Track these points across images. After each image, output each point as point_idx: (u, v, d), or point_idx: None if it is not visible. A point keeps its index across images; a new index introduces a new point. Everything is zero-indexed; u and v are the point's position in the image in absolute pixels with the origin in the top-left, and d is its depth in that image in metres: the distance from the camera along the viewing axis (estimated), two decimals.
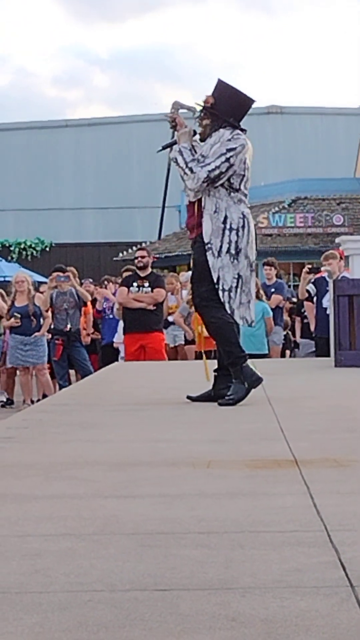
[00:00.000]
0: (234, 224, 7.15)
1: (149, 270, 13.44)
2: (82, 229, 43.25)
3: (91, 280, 19.48)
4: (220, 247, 7.14)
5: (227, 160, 7.12)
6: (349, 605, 2.54)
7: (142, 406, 7.11)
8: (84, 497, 3.97)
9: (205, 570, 2.88)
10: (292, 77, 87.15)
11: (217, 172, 7.11)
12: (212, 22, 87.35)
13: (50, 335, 15.15)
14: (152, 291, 13.14)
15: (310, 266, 14.70)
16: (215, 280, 7.13)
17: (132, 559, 3.02)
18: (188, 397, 7.27)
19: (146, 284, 13.19)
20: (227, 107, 7.18)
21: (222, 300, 7.15)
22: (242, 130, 7.24)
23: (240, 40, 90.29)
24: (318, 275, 13.95)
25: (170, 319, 14.65)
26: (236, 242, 7.14)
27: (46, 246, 42.37)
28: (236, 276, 7.14)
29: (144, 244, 33.96)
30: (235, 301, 7.15)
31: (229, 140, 7.15)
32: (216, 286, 7.13)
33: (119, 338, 14.87)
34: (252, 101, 7.29)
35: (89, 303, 15.88)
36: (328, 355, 11.55)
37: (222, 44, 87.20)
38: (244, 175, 7.19)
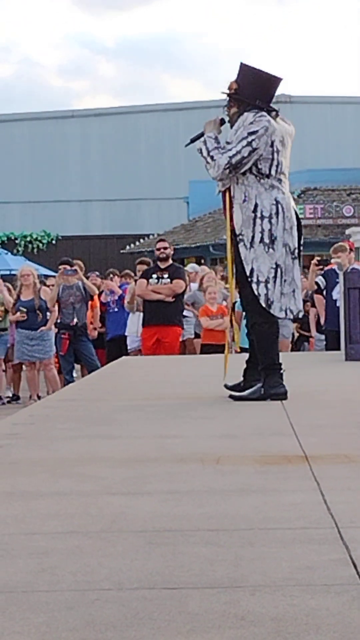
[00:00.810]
0: (265, 211, 6.87)
1: (170, 261, 13.38)
2: (89, 221, 43.23)
3: (97, 273, 19.40)
4: (253, 237, 6.88)
5: (249, 144, 6.85)
6: None
7: (150, 401, 7.07)
8: (91, 494, 3.94)
9: (215, 568, 2.85)
10: (301, 65, 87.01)
11: (238, 157, 6.84)
12: (220, 10, 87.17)
13: (56, 330, 15.08)
14: (171, 283, 13.08)
15: (319, 258, 14.63)
16: (248, 274, 6.88)
17: (140, 557, 3.00)
18: (225, 386, 7.12)
19: (165, 276, 13.13)
20: (252, 90, 6.92)
21: (256, 293, 6.88)
22: (271, 111, 6.97)
23: (249, 29, 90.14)
24: (328, 268, 13.90)
25: None
26: (270, 230, 6.86)
27: (52, 239, 42.35)
28: (274, 266, 6.85)
29: (151, 236, 33.92)
30: (274, 292, 6.86)
31: (252, 123, 6.88)
32: (249, 279, 6.89)
33: (131, 329, 14.76)
34: (279, 79, 7.03)
35: (95, 297, 15.79)
36: (338, 348, 11.50)
37: (230, 32, 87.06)
38: (272, 159, 6.90)
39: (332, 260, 13.60)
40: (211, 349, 13.44)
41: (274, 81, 7.03)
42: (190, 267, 17.49)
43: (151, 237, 35.13)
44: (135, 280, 14.65)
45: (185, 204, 40.14)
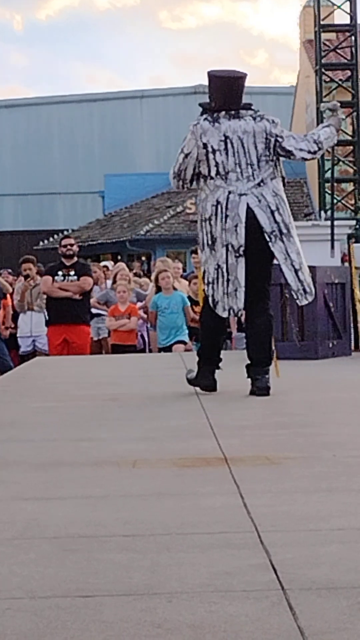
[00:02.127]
0: (206, 213, 7.03)
1: (75, 259, 13.29)
2: (0, 216, 42.78)
3: (10, 270, 19.12)
4: (202, 240, 7.09)
5: (182, 150, 7.07)
6: (280, 609, 2.49)
7: (65, 403, 6.99)
8: (3, 499, 3.86)
9: (130, 575, 2.80)
10: (219, 54, 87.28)
11: (177, 165, 7.07)
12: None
13: None
14: (78, 280, 12.98)
15: None
16: (202, 276, 7.08)
17: (53, 564, 2.93)
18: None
19: (72, 273, 13.03)
20: (210, 94, 7.20)
21: (206, 294, 7.09)
22: (220, 111, 7.09)
23: (163, 18, 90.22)
24: None
25: (94, 311, 14.45)
26: (210, 231, 7.00)
27: None
28: (216, 267, 6.99)
29: (65, 232, 33.69)
30: (218, 292, 7.00)
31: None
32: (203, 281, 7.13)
33: (24, 330, 14.52)
34: (228, 77, 7.18)
35: (8, 295, 15.54)
36: None
37: (144, 22, 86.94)
38: (208, 160, 7.01)
39: None
40: (120, 349, 13.40)
41: (223, 80, 7.15)
42: (104, 264, 17.41)
43: (66, 232, 34.85)
44: (25, 277, 14.48)
45: (100, 198, 39.89)
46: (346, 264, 11.48)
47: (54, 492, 3.96)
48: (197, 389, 7.31)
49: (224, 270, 6.95)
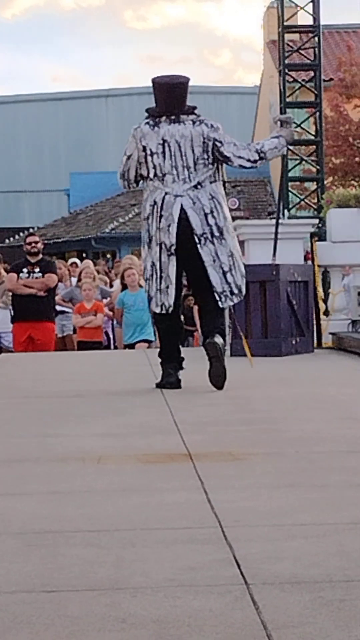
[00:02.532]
0: (145, 213, 7.32)
1: (40, 256, 13.25)
2: None
3: None
4: (143, 238, 7.38)
5: (125, 152, 7.34)
6: (244, 604, 2.50)
7: (30, 399, 6.97)
8: None
9: (95, 570, 2.80)
10: (184, 54, 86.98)
11: (121, 167, 7.37)
12: None
13: None
14: (42, 277, 12.94)
15: None
16: (143, 273, 7.54)
17: (18, 559, 2.93)
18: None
19: (37, 270, 12.99)
20: (155, 99, 7.43)
21: (145, 289, 7.47)
22: (161, 115, 7.31)
23: (127, 16, 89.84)
24: None
25: (59, 308, 14.39)
26: (148, 230, 7.28)
27: None
28: (151, 264, 7.26)
29: (31, 229, 33.48)
30: (152, 289, 7.28)
31: None
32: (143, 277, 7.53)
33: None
34: (158, 82, 7.41)
35: None
36: None
37: (109, 20, 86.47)
38: (147, 162, 7.24)
39: None
40: (86, 346, 13.37)
41: (163, 86, 7.38)
42: (71, 261, 17.34)
43: (31, 230, 34.67)
44: None
45: (66, 196, 39.69)
46: (309, 262, 11.52)
47: (19, 488, 3.95)
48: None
49: (158, 267, 7.21)
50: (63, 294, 14.62)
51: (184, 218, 7.15)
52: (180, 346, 7.56)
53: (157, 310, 7.31)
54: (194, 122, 7.32)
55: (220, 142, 7.28)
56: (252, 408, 6.26)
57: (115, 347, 14.31)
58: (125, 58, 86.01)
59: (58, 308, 14.09)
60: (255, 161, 7.32)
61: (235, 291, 7.24)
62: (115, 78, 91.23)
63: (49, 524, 3.34)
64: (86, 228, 35.02)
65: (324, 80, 24.66)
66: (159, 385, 7.33)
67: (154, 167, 7.22)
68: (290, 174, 24.13)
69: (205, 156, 7.25)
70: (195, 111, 7.45)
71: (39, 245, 13.31)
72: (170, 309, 7.28)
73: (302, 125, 24.52)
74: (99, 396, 7.06)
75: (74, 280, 15.36)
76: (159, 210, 7.19)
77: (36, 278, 12.89)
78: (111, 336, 14.70)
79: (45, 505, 3.62)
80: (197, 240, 7.14)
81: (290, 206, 23.60)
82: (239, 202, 32.92)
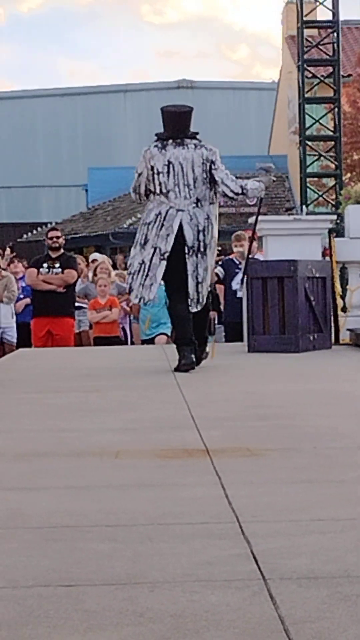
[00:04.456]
0: (148, 219, 8.42)
1: (61, 251, 13.24)
2: None
3: None
4: (137, 239, 8.47)
5: (136, 171, 8.50)
6: (261, 599, 2.49)
7: (47, 394, 6.97)
8: None
9: (112, 564, 2.80)
10: (200, 48, 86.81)
11: (133, 182, 8.54)
12: None
13: None
14: (62, 272, 12.93)
15: (219, 248, 14.52)
16: (126, 267, 8.41)
17: (35, 553, 2.93)
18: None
19: (57, 265, 12.98)
20: (163, 126, 8.57)
21: (127, 281, 8.56)
22: (168, 139, 8.44)
23: (145, 10, 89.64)
24: (226, 258, 13.85)
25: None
26: (145, 234, 8.39)
27: None
28: (140, 262, 8.37)
29: (49, 225, 33.49)
30: (135, 282, 8.39)
31: None
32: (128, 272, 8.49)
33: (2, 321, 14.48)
34: (173, 112, 8.56)
35: None
36: (238, 340, 11.49)
37: (125, 12, 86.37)
38: (154, 180, 8.39)
39: (235, 250, 13.58)
40: (103, 341, 13.36)
41: (170, 114, 8.54)
42: (93, 257, 17.28)
43: (49, 225, 34.69)
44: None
45: (84, 191, 39.61)
46: (327, 258, 11.49)
47: (36, 483, 3.95)
48: (178, 378, 7.36)
49: (147, 266, 8.35)
50: (78, 290, 14.63)
51: (180, 231, 8.32)
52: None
53: (136, 302, 8.70)
54: (195, 146, 8.45)
55: (216, 166, 8.42)
56: (268, 404, 6.25)
57: (132, 343, 14.30)
58: (141, 52, 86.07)
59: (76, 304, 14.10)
60: (237, 194, 8.47)
61: (201, 300, 8.37)
62: (132, 73, 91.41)
63: (66, 518, 3.34)
64: (104, 223, 35.00)
65: (343, 76, 24.60)
66: (177, 369, 8.08)
67: (160, 184, 8.38)
68: (308, 170, 24.10)
69: (204, 175, 8.40)
70: (197, 136, 8.52)
71: (61, 240, 13.30)
72: (150, 303, 8.78)
73: (320, 121, 24.46)
74: (116, 391, 7.07)
75: (91, 275, 15.34)
76: (162, 220, 8.35)
77: (56, 273, 12.88)
78: (128, 332, 14.69)
79: (63, 500, 3.62)
80: (186, 251, 8.28)
81: (309, 202, 23.57)
82: (257, 198, 32.79)
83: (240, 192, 8.43)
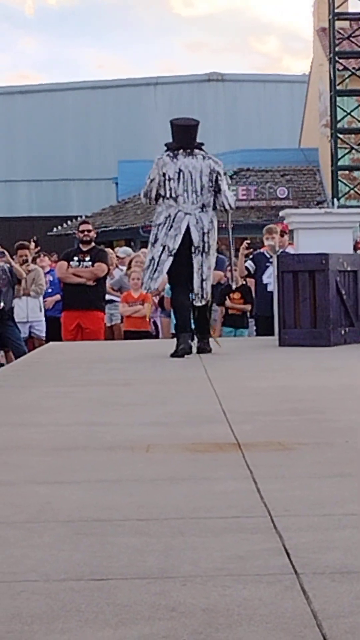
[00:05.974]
0: (158, 221, 9.37)
1: (92, 244, 13.23)
2: (14, 202, 42.61)
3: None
4: (149, 239, 9.42)
5: (149, 176, 9.41)
6: (294, 593, 2.48)
7: (78, 388, 6.98)
8: (16, 483, 3.86)
9: (144, 558, 2.79)
10: (229, 41, 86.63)
11: (145, 187, 9.44)
12: None
13: None
14: (92, 266, 12.93)
15: (248, 242, 14.46)
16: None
17: (67, 547, 2.93)
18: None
19: (87, 258, 12.96)
20: (172, 137, 9.49)
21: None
22: (179, 149, 9.33)
23: (175, 3, 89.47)
24: (256, 252, 13.81)
25: (107, 297, 14.37)
26: (156, 234, 9.32)
27: None
28: (151, 258, 9.35)
29: (79, 218, 33.52)
30: (145, 276, 9.41)
31: None
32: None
33: (20, 315, 14.46)
34: (176, 124, 9.50)
35: (23, 280, 15.43)
36: (269, 334, 11.46)
37: (156, 6, 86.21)
38: (165, 186, 9.27)
39: (266, 243, 13.52)
40: (133, 335, 13.35)
41: (180, 127, 9.46)
42: (122, 251, 17.27)
43: (79, 218, 34.73)
44: (22, 263, 14.41)
45: (114, 184, 39.60)
46: (359, 252, 11.43)
47: (67, 476, 3.96)
48: (209, 371, 7.35)
49: (156, 262, 9.28)
50: (112, 282, 14.62)
51: (187, 232, 9.23)
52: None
53: (144, 291, 10.20)
54: (203, 157, 9.37)
55: (221, 177, 9.37)
56: (300, 398, 6.22)
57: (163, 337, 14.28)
58: (170, 45, 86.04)
59: (107, 297, 14.09)
60: (230, 207, 9.44)
61: (205, 296, 9.26)
62: (160, 65, 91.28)
63: (98, 512, 3.34)
64: (134, 217, 35.01)
65: None
66: (174, 354, 8.96)
67: (170, 190, 9.29)
68: (339, 163, 24.01)
69: (210, 184, 9.33)
70: (203, 147, 9.44)
71: (92, 233, 13.29)
72: (149, 291, 9.98)
73: (352, 114, 24.34)
74: (147, 385, 7.07)
75: (116, 271, 15.29)
76: (171, 222, 9.28)
77: (86, 267, 12.89)
78: (159, 325, 14.68)
79: (94, 494, 3.62)
80: (192, 251, 9.21)
81: (340, 195, 23.48)
82: (288, 191, 32.73)
83: (230, 209, 9.47)
